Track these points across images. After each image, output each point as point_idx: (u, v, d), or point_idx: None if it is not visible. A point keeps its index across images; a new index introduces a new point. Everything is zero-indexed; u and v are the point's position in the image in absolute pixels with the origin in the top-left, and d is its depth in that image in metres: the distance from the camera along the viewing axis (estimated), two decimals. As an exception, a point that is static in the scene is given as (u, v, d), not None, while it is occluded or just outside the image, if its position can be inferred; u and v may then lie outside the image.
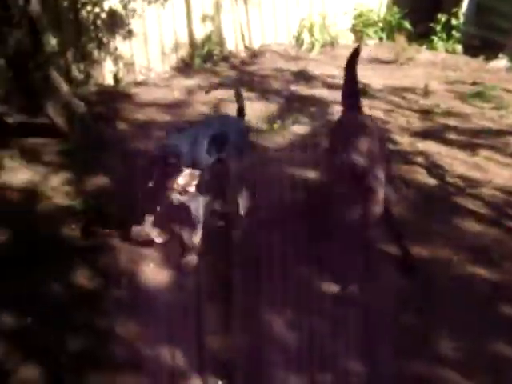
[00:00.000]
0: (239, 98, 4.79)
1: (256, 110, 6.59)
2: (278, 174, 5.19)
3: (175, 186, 3.82)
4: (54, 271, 3.96)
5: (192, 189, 3.87)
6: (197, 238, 4.02)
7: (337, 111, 6.37)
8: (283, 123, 6.18)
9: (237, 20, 8.59)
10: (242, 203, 4.46)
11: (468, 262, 4.04)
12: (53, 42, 7.19)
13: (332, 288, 3.78)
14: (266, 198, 4.76)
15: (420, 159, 5.47)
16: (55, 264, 4.00)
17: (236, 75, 7.87)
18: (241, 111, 4.78)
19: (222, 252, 4.10)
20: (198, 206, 3.98)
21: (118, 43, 7.71)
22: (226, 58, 8.43)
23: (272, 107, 6.72)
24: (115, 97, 7.24)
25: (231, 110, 6.58)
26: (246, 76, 7.81)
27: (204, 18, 8.32)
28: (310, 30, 8.84)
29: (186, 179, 3.83)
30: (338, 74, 7.54)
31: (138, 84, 7.62)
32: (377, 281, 3.77)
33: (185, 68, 8.16)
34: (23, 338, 3.51)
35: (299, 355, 3.23)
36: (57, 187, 5.15)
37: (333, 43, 8.89)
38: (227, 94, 7.11)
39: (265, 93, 7.17)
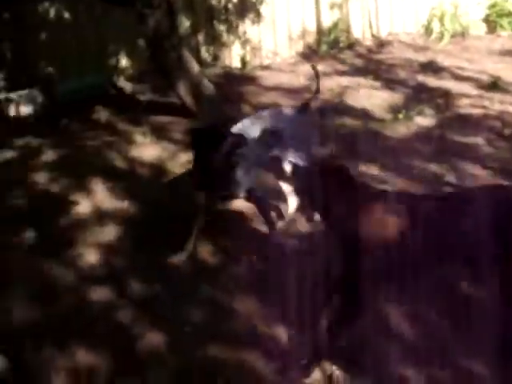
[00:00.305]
0: (317, 78, 4.60)
1: (380, 99, 6.50)
2: (401, 164, 5.10)
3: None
4: (181, 244, 4.12)
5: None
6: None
7: (464, 104, 6.22)
8: (408, 114, 6.04)
9: (365, 8, 8.48)
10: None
11: None
12: (186, 24, 7.45)
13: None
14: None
15: None
16: (182, 238, 4.15)
17: (361, 63, 7.79)
18: (316, 91, 4.59)
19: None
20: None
21: (247, 27, 7.85)
22: (351, 46, 8.35)
23: (397, 97, 6.58)
24: (241, 79, 7.39)
25: (354, 97, 6.61)
26: (371, 65, 7.69)
27: (332, 5, 8.29)
28: (441, 20, 8.53)
29: (228, 145, 3.76)
30: (467, 66, 7.33)
31: (264, 68, 7.72)
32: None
33: (310, 54, 8.17)
34: (150, 306, 3.69)
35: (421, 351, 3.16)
36: (184, 164, 5.33)
37: (463, 33, 8.54)
38: (352, 81, 7.12)
39: (390, 82, 7.03)
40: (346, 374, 3.05)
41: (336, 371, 3.05)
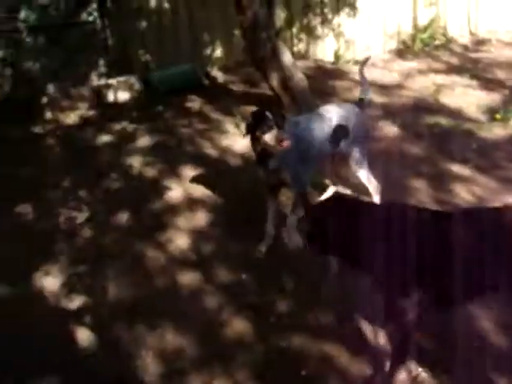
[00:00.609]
0: (362, 78, 4.50)
1: (476, 99, 6.32)
2: (495, 167, 4.94)
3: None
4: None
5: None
6: None
7: None
8: (505, 115, 5.83)
9: (463, 5, 8.25)
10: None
11: None
12: (282, 15, 7.49)
13: None
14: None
15: None
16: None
17: (458, 61, 7.59)
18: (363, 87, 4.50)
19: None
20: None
21: (342, 21, 7.81)
22: (448, 44, 8.15)
23: (494, 97, 6.37)
24: (333, 73, 7.36)
25: (450, 96, 6.45)
26: (468, 63, 7.49)
27: (429, 2, 8.12)
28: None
29: (271, 138, 3.68)
30: None
31: (357, 63, 7.64)
32: None
33: (405, 51, 8.04)
34: (236, 293, 3.76)
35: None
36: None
37: None
38: (447, 79, 6.95)
39: (487, 82, 6.82)
40: (432, 376, 3.01)
41: (422, 373, 3.02)
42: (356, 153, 4.23)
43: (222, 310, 3.61)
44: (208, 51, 7.76)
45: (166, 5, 7.43)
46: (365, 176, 4.31)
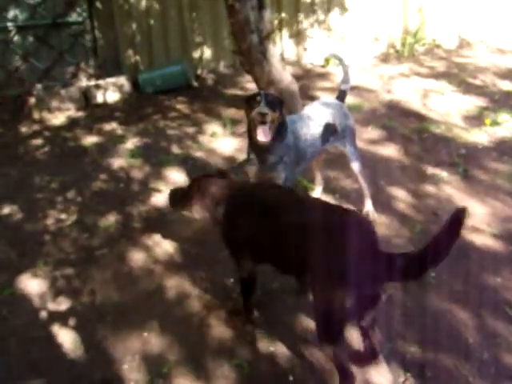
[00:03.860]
0: (344, 68, 4.48)
1: (464, 104, 6.36)
2: (481, 172, 4.98)
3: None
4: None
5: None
6: None
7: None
8: (494, 120, 5.87)
9: (452, 10, 8.29)
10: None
11: None
12: (273, 19, 7.50)
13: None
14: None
15: None
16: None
17: (446, 66, 7.64)
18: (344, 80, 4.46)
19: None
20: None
21: (332, 24, 7.83)
22: (436, 48, 8.21)
23: (482, 102, 6.42)
24: (322, 76, 7.39)
25: (437, 101, 6.48)
26: (455, 68, 7.54)
27: (419, 7, 8.17)
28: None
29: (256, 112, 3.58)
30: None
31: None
32: None
33: (394, 55, 8.10)
34: (223, 298, 3.71)
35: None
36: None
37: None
38: (435, 84, 6.99)
39: (475, 87, 6.87)
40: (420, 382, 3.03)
41: (410, 378, 3.03)
42: (349, 146, 4.25)
43: (208, 314, 3.60)
44: (198, 53, 7.76)
45: (156, 6, 7.42)
46: (358, 168, 4.32)
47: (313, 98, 6.53)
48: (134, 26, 7.41)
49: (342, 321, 2.76)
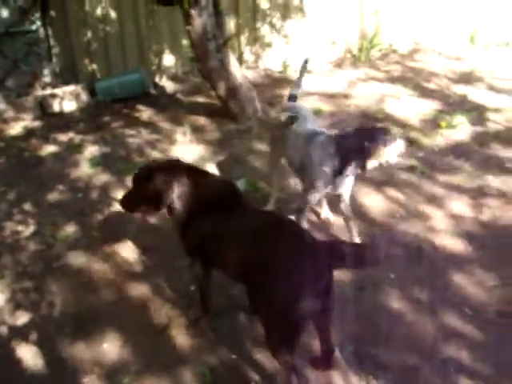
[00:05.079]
0: (302, 71, 4.64)
1: (420, 108, 6.45)
2: (439, 175, 5.07)
3: None
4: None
5: None
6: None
7: (507, 118, 6.11)
8: (450, 122, 5.96)
9: (406, 17, 8.42)
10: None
11: None
12: (230, 25, 7.52)
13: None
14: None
15: None
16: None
17: (402, 71, 7.75)
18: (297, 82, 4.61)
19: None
20: None
21: (290, 30, 7.88)
22: (392, 53, 8.33)
23: (438, 106, 6.52)
24: (282, 82, 7.41)
25: (394, 105, 6.57)
26: (410, 72, 7.65)
27: (375, 12, 8.27)
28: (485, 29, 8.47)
29: None
30: (509, 76, 7.25)
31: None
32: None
33: (350, 60, 8.19)
34: (185, 306, 3.70)
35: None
36: (222, 164, 5.41)
37: (508, 43, 8.48)
38: (392, 88, 7.09)
39: (430, 91, 6.99)
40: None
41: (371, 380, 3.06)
42: None
43: (169, 323, 3.58)
44: (156, 60, 7.71)
45: (112, 13, 7.35)
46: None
47: (271, 104, 6.58)
48: (90, 33, 7.31)
49: (291, 330, 2.73)
